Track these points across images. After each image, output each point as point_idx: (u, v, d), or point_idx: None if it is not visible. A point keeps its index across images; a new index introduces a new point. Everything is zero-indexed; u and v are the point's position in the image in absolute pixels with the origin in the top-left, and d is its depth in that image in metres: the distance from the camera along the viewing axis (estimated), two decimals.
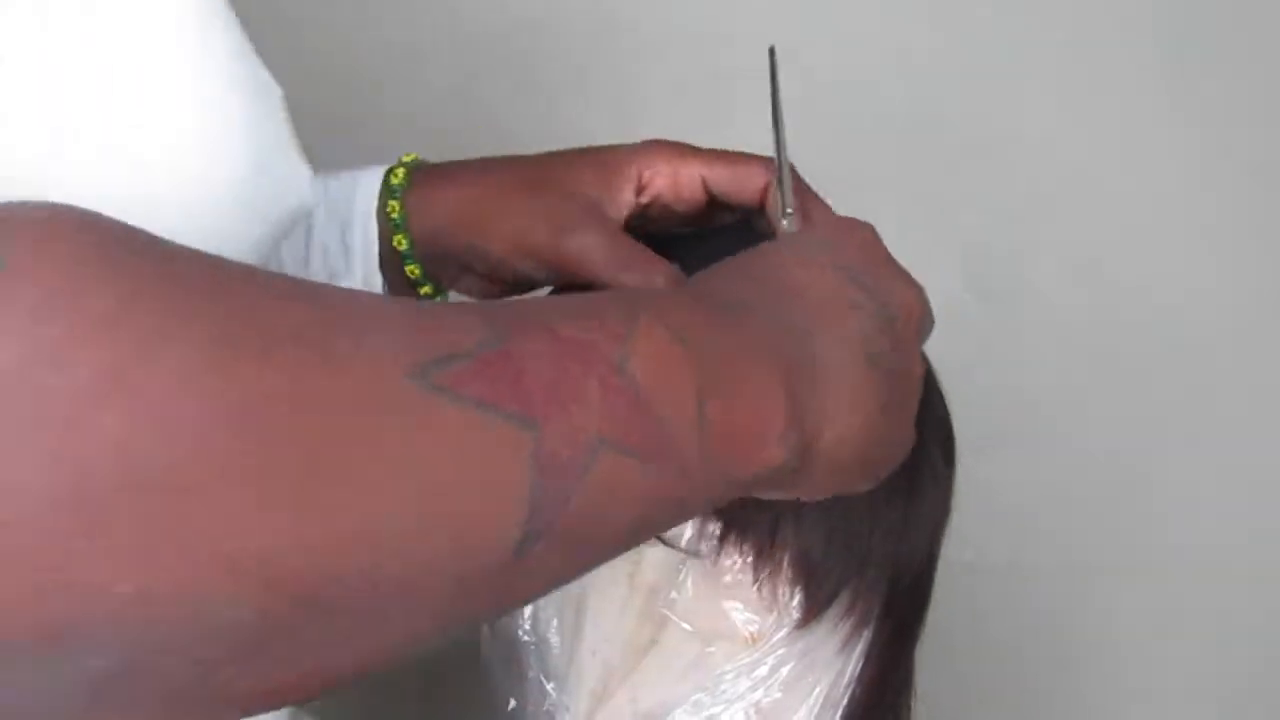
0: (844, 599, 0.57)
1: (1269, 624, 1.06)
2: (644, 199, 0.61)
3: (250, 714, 0.32)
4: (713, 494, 0.41)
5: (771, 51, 0.63)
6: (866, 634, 0.59)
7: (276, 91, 0.45)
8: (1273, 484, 1.05)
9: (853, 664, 0.58)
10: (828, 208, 0.58)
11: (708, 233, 0.64)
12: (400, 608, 0.32)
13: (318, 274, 0.65)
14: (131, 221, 0.32)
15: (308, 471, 0.29)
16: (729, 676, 0.57)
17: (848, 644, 0.58)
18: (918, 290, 0.50)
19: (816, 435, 0.44)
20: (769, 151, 0.60)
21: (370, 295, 0.35)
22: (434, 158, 0.66)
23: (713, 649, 0.57)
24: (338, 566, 0.30)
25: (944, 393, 0.62)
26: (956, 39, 1.05)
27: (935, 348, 0.63)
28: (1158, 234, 1.05)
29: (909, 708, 0.63)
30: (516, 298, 0.39)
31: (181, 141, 0.39)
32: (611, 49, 1.09)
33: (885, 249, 0.51)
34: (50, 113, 0.37)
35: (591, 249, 0.59)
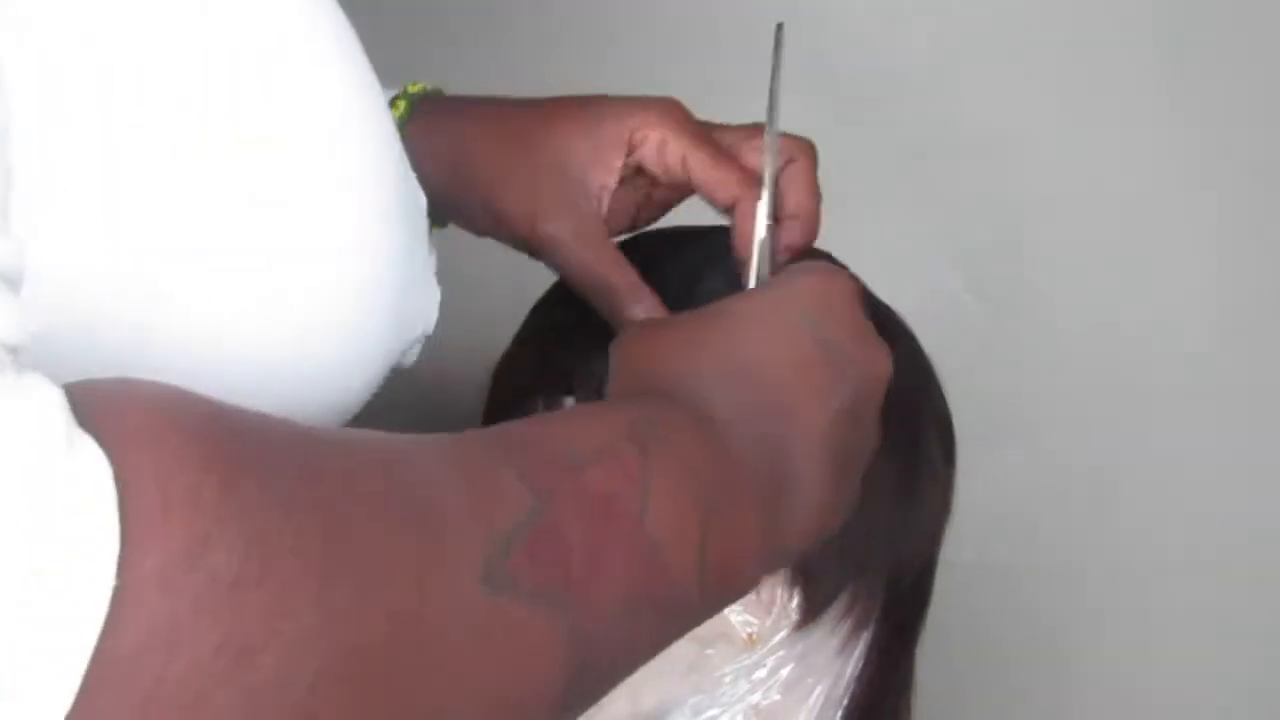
0: (843, 600, 0.57)
1: (1269, 623, 1.06)
2: (630, 164, 0.58)
3: None
4: (708, 616, 0.43)
5: (779, 29, 0.61)
6: (866, 635, 0.58)
7: (422, 201, 0.44)
8: (1272, 484, 1.04)
9: (852, 665, 0.58)
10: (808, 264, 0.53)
11: (705, 231, 0.63)
12: None
13: None
14: (272, 347, 0.32)
15: (399, 704, 0.29)
16: (728, 678, 0.56)
17: (847, 645, 0.58)
18: (885, 355, 0.49)
19: (785, 541, 0.45)
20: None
21: (435, 461, 0.33)
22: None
23: (711, 651, 0.56)
24: None
25: (944, 392, 0.62)
26: (958, 39, 1.05)
27: (935, 347, 0.62)
28: (1158, 234, 1.05)
29: (909, 709, 0.63)
30: (533, 423, 0.40)
31: (334, 280, 0.39)
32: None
33: (859, 307, 0.49)
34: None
35: (560, 243, 0.57)
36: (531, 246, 0.59)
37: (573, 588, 0.34)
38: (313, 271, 0.38)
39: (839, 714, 0.58)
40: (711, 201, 0.59)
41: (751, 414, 0.44)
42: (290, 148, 0.38)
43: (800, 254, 0.58)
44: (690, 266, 0.60)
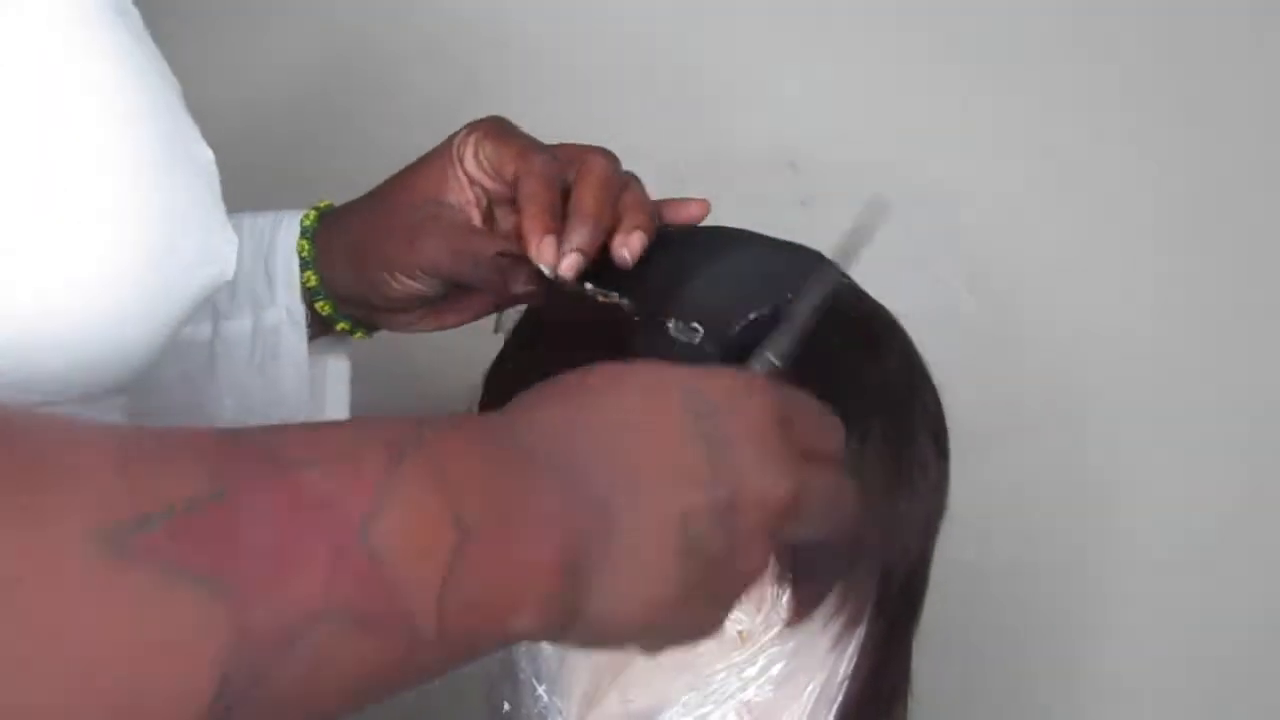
0: (834, 596, 0.57)
1: (1268, 623, 1.06)
2: (470, 178, 0.63)
3: None
4: (456, 658, 0.38)
5: (878, 208, 0.57)
6: (859, 631, 0.58)
7: (206, 156, 0.44)
8: (1272, 484, 1.04)
9: (846, 662, 0.58)
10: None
11: (693, 231, 0.63)
12: None
13: (243, 301, 0.67)
14: (23, 285, 0.31)
15: None
16: (720, 676, 0.56)
17: (840, 641, 0.57)
18: (788, 485, 0.44)
19: (585, 607, 0.41)
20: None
21: (91, 434, 0.33)
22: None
23: (702, 648, 0.56)
24: None
25: (939, 389, 0.62)
26: (958, 38, 1.05)
27: (935, 347, 0.62)
28: (1158, 234, 1.04)
29: (905, 706, 0.63)
30: (287, 425, 0.37)
31: (89, 205, 0.38)
32: (601, 54, 1.08)
33: (779, 429, 0.44)
34: None
35: (434, 254, 0.62)
36: (424, 274, 0.63)
37: (238, 576, 0.32)
38: (57, 220, 0.38)
39: (833, 711, 0.58)
40: (507, 186, 0.62)
41: (581, 466, 0.41)
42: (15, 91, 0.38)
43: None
44: (674, 266, 0.60)
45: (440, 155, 0.64)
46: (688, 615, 0.43)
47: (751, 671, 0.56)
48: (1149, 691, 1.08)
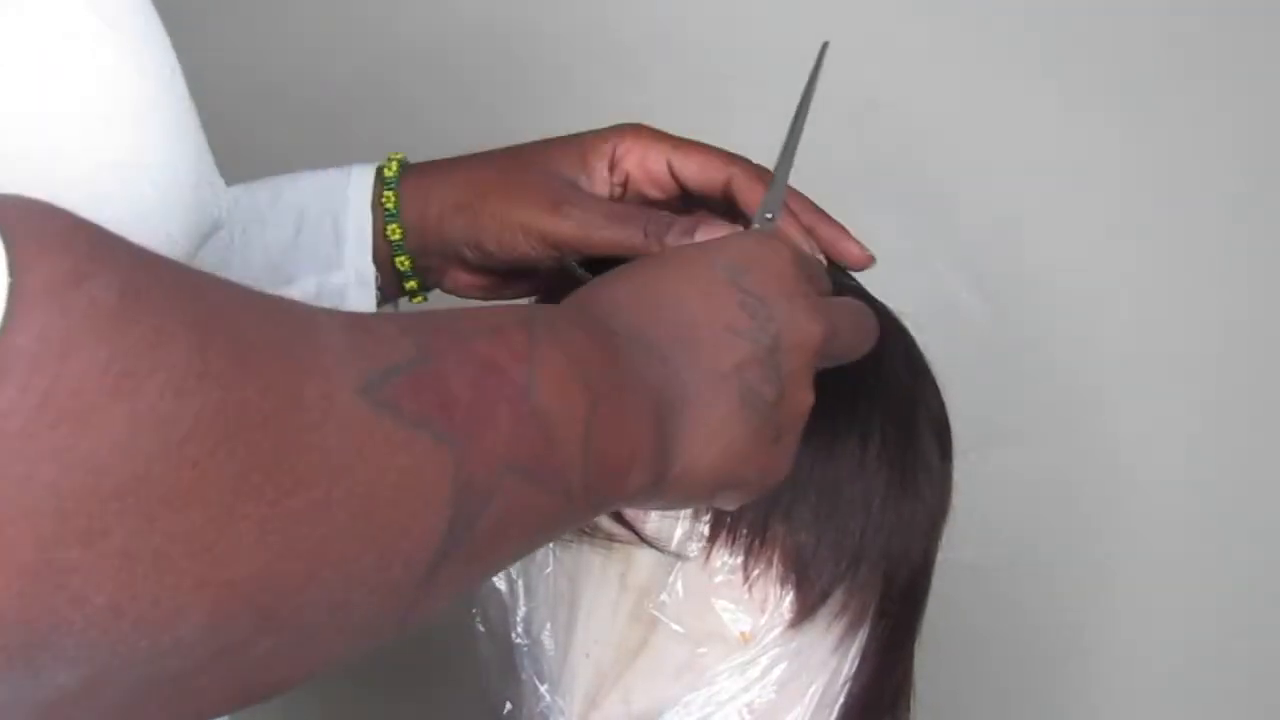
0: (837, 598, 0.57)
1: (1268, 623, 1.06)
2: (616, 178, 0.63)
3: None
4: (587, 515, 0.43)
5: (824, 47, 0.64)
6: (862, 633, 0.58)
7: (193, 107, 0.45)
8: (1272, 484, 1.04)
9: (848, 664, 0.58)
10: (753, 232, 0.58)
11: None
12: (332, 623, 0.33)
13: (305, 263, 0.66)
14: None
15: (273, 486, 0.30)
16: (722, 677, 0.56)
17: (842, 643, 0.57)
18: (821, 325, 0.49)
19: (674, 463, 0.45)
20: (772, 151, 0.60)
21: (321, 310, 0.35)
22: (426, 157, 0.67)
23: (704, 650, 0.56)
24: (293, 583, 0.31)
25: (941, 389, 0.62)
26: (958, 37, 1.05)
27: (935, 347, 0.62)
28: (1158, 235, 1.05)
29: (908, 708, 0.62)
30: (430, 311, 0.40)
31: (98, 157, 0.39)
32: (607, 54, 1.08)
33: (799, 278, 0.50)
34: None
35: (590, 216, 0.61)
36: (555, 240, 0.62)
37: (457, 428, 0.35)
38: (68, 152, 0.39)
39: (835, 712, 0.58)
40: (706, 194, 0.63)
41: (654, 330, 0.46)
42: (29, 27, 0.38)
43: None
44: None
45: (581, 145, 0.64)
46: (757, 460, 0.48)
47: (754, 673, 0.56)
48: (1149, 691, 1.08)
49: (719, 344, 0.47)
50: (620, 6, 1.08)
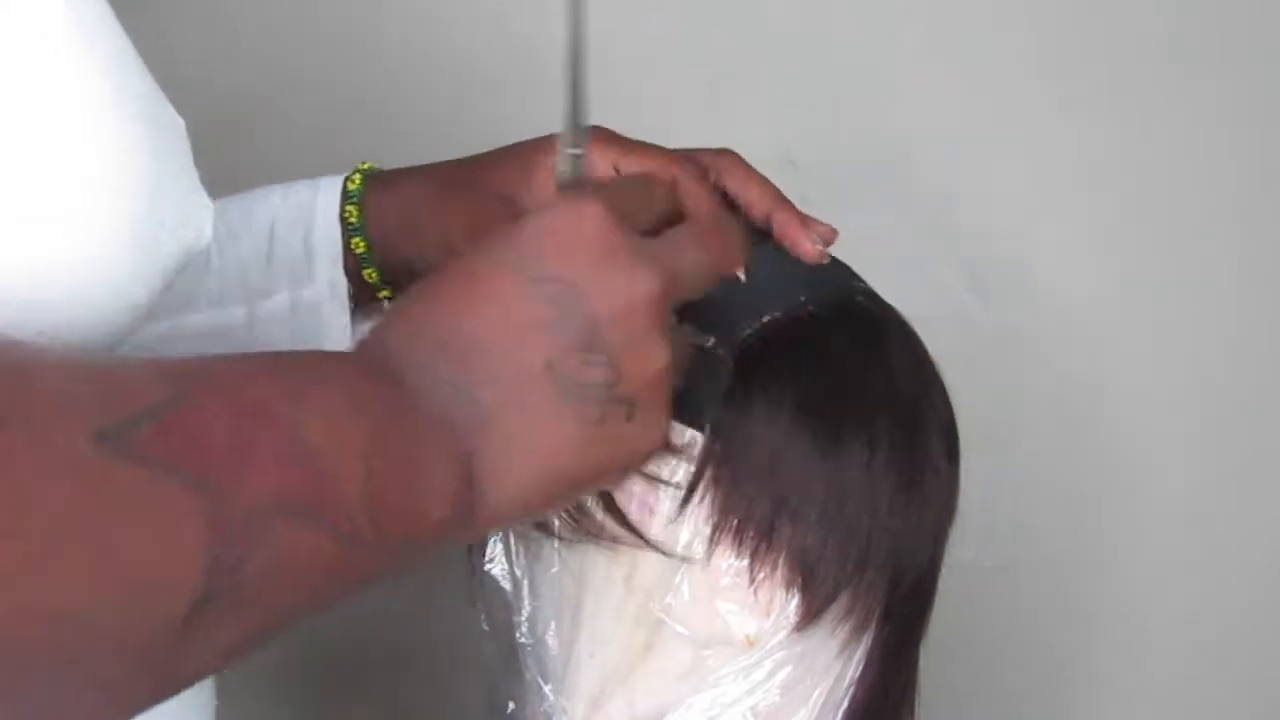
0: (843, 601, 0.57)
1: (1267, 623, 1.06)
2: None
3: None
4: (391, 559, 0.41)
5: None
6: (867, 637, 0.58)
7: (178, 124, 0.44)
8: (1271, 484, 1.05)
9: (853, 667, 0.58)
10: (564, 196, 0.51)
11: None
12: (74, 683, 0.32)
13: (279, 278, 0.66)
14: (13, 256, 0.32)
15: None
16: (726, 680, 0.56)
17: (847, 647, 0.57)
18: (649, 278, 0.45)
19: (487, 488, 0.43)
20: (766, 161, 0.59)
21: (63, 355, 0.35)
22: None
23: (709, 652, 0.56)
24: (16, 637, 0.30)
25: (947, 393, 0.62)
26: (957, 38, 1.05)
27: (936, 348, 0.62)
28: (1159, 235, 1.05)
29: (912, 712, 0.62)
30: (201, 355, 0.40)
31: (75, 174, 0.39)
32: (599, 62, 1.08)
33: (609, 233, 0.45)
34: None
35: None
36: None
37: (211, 471, 0.34)
38: (48, 174, 0.38)
39: (839, 716, 0.58)
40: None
41: (440, 362, 0.43)
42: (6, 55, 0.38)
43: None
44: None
45: (528, 153, 0.63)
46: (608, 445, 0.45)
47: (759, 675, 0.56)
48: (1150, 691, 1.08)
49: (521, 346, 0.44)
50: (610, 13, 1.08)
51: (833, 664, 0.57)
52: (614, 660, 0.57)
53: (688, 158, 0.61)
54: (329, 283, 0.66)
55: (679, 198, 0.53)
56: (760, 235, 0.62)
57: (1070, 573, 1.07)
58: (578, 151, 0.51)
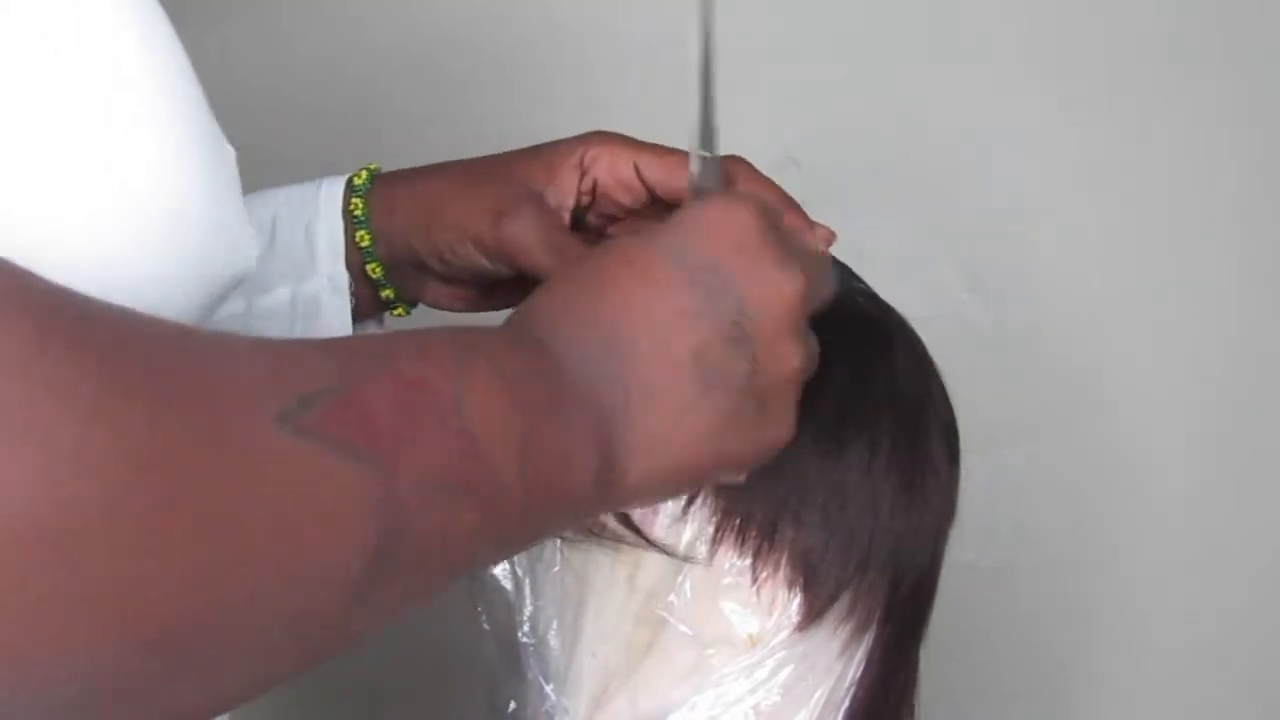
0: (844, 601, 0.57)
1: (1267, 623, 1.06)
2: (585, 186, 0.63)
3: None
4: (537, 529, 0.43)
5: None
6: (868, 637, 0.58)
7: (230, 152, 0.45)
8: (1272, 485, 1.05)
9: (854, 667, 0.58)
10: (720, 194, 0.53)
11: None
12: (244, 647, 0.33)
13: (279, 272, 0.66)
14: (83, 275, 0.32)
15: (190, 525, 0.30)
16: (729, 679, 0.56)
17: (849, 647, 0.58)
18: (789, 276, 0.47)
19: (627, 467, 0.44)
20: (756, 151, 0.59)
21: (240, 339, 0.35)
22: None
23: (712, 651, 0.56)
24: (211, 621, 0.31)
25: (948, 394, 0.62)
26: (957, 38, 1.05)
27: (936, 348, 0.62)
28: (1159, 235, 1.05)
29: (912, 712, 0.62)
30: (360, 335, 0.40)
31: (142, 199, 0.39)
32: (589, 59, 1.08)
33: (763, 232, 0.47)
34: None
35: (526, 234, 0.61)
36: (497, 251, 0.62)
37: (381, 451, 0.35)
38: (120, 193, 0.39)
39: (840, 716, 0.58)
40: (674, 198, 0.62)
41: (591, 342, 0.45)
42: (73, 85, 0.38)
43: None
44: None
45: (547, 155, 0.63)
46: (740, 436, 0.47)
47: (761, 675, 0.56)
48: (1150, 691, 1.08)
49: (670, 332, 0.45)
50: (610, 13, 1.08)
51: (834, 664, 0.57)
52: (616, 660, 0.57)
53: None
54: (329, 277, 0.66)
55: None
56: None
57: (1070, 573, 1.07)
58: (709, 154, 0.53)
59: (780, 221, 0.49)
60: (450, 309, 0.68)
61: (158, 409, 0.30)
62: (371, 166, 0.67)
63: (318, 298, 0.66)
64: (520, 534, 0.42)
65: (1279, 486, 1.05)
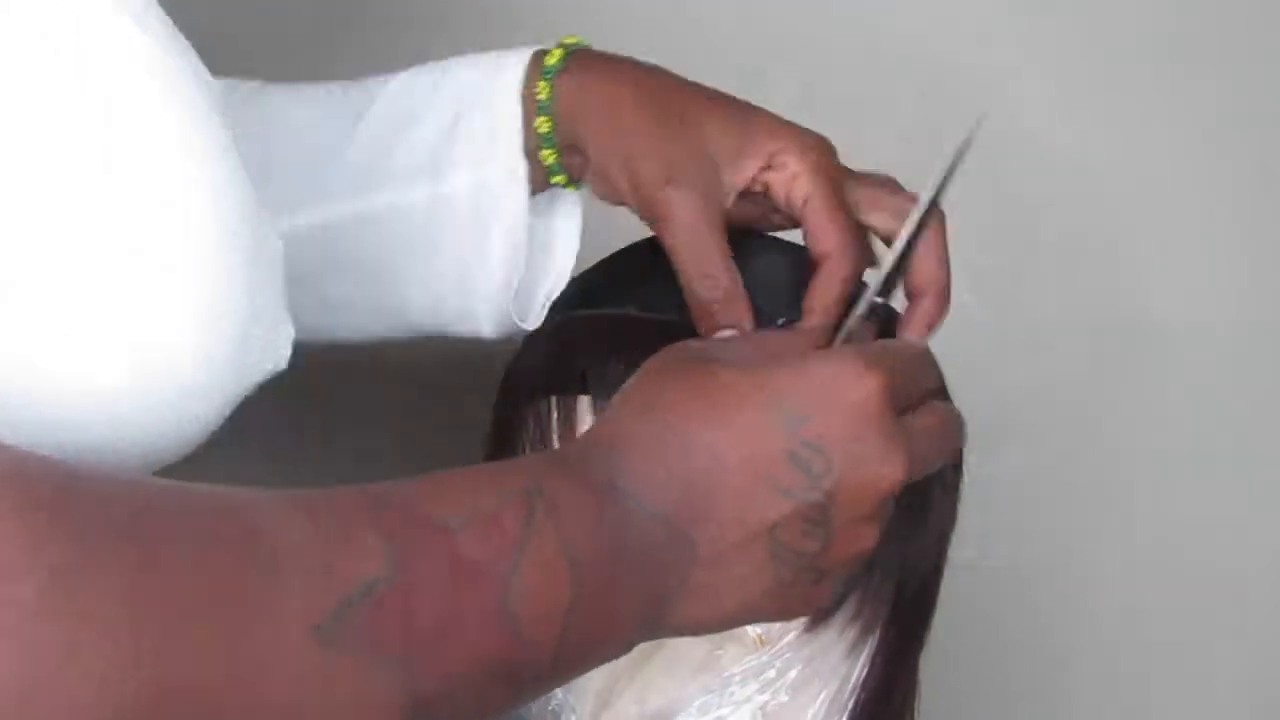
0: (851, 603, 0.57)
1: (1268, 624, 1.06)
2: (759, 182, 0.58)
3: None
4: (565, 680, 0.43)
5: (980, 120, 0.57)
6: (872, 639, 0.58)
7: (277, 246, 0.44)
8: (1273, 485, 1.05)
9: (859, 669, 0.58)
10: (849, 351, 0.49)
11: (782, 245, 0.62)
12: None
13: (461, 156, 0.62)
14: (110, 376, 0.33)
15: None
16: (736, 679, 0.56)
17: (854, 649, 0.58)
18: (897, 467, 0.45)
19: (672, 617, 0.44)
20: None
21: (292, 516, 0.35)
22: None
23: (720, 651, 0.56)
24: None
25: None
26: (957, 38, 1.05)
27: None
28: (1159, 235, 1.05)
29: (914, 713, 0.63)
30: (435, 477, 0.41)
31: (174, 307, 0.39)
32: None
33: (883, 409, 0.45)
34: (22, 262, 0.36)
35: (681, 216, 0.57)
36: (654, 211, 0.58)
37: (414, 649, 0.35)
38: (151, 303, 0.39)
39: (844, 717, 0.58)
40: (813, 251, 0.58)
41: (666, 491, 0.43)
42: (121, 179, 0.38)
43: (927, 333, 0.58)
44: (752, 275, 0.58)
45: (751, 130, 0.59)
46: (785, 602, 0.46)
47: (769, 675, 0.56)
48: (1148, 692, 1.08)
49: (754, 499, 0.44)
50: (611, 13, 1.08)
51: (839, 665, 0.58)
52: (624, 659, 0.57)
53: (854, 249, 0.58)
54: (506, 165, 0.61)
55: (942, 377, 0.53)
56: (775, 240, 0.62)
57: (1070, 573, 1.07)
58: (880, 300, 0.52)
59: (912, 384, 0.47)
60: (609, 201, 0.63)
61: (178, 650, 0.30)
62: (568, 41, 0.62)
63: (493, 185, 0.62)
64: (548, 688, 0.43)
65: (1279, 487, 1.05)
